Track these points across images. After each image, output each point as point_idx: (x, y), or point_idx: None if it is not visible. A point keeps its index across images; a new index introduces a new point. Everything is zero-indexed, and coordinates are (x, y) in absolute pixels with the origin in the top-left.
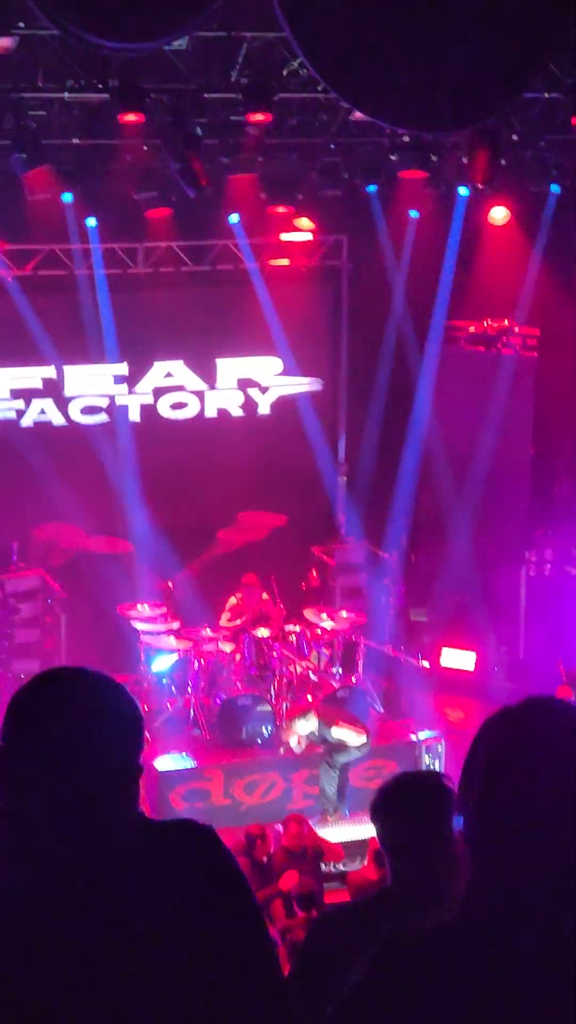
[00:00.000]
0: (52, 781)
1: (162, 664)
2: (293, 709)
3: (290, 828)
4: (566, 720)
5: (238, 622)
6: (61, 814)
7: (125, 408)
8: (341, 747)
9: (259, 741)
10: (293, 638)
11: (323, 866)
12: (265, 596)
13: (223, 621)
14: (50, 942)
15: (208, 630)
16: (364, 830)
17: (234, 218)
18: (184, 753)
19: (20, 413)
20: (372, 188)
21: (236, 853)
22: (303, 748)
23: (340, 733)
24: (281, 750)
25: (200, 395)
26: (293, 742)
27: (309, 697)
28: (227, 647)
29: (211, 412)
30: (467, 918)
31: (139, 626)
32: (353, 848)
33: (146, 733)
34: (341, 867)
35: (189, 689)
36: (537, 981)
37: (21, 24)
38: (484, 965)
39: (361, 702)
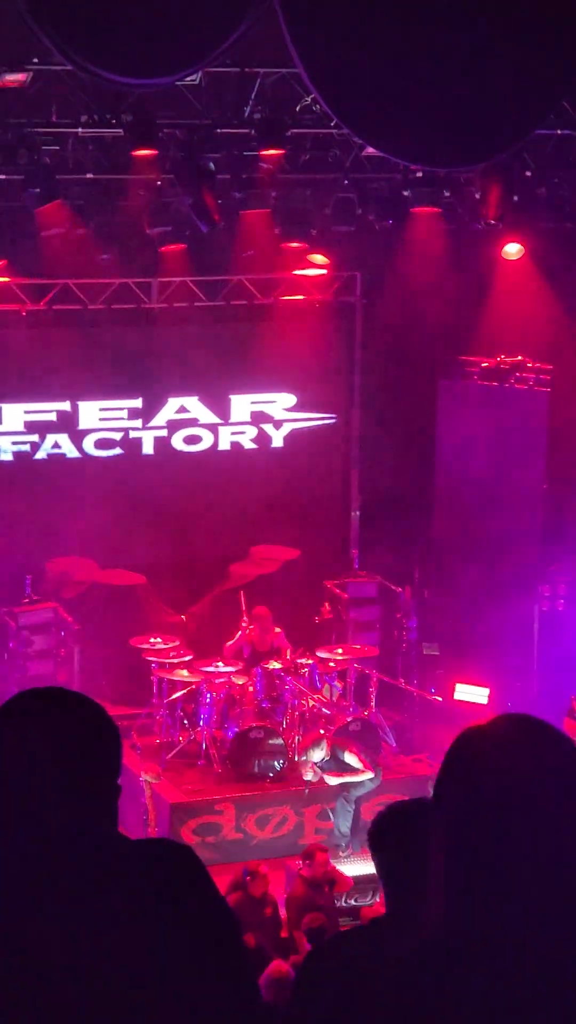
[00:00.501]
0: (9, 800)
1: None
2: (306, 739)
3: (317, 857)
4: (538, 734)
5: (237, 636)
6: (16, 832)
7: (139, 441)
8: (354, 779)
9: (271, 775)
10: (305, 671)
11: (336, 901)
12: (277, 629)
13: (233, 653)
14: (12, 964)
15: (221, 664)
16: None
17: (249, 253)
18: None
19: (35, 446)
20: (388, 223)
21: (230, 887)
22: (317, 778)
23: (352, 759)
24: (305, 780)
25: (214, 429)
26: (307, 772)
27: (321, 731)
28: (239, 680)
29: (224, 445)
30: (438, 941)
31: (152, 659)
32: (366, 883)
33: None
34: (354, 902)
35: (201, 722)
36: (509, 1003)
37: (35, 60)
38: (453, 988)
39: (373, 736)
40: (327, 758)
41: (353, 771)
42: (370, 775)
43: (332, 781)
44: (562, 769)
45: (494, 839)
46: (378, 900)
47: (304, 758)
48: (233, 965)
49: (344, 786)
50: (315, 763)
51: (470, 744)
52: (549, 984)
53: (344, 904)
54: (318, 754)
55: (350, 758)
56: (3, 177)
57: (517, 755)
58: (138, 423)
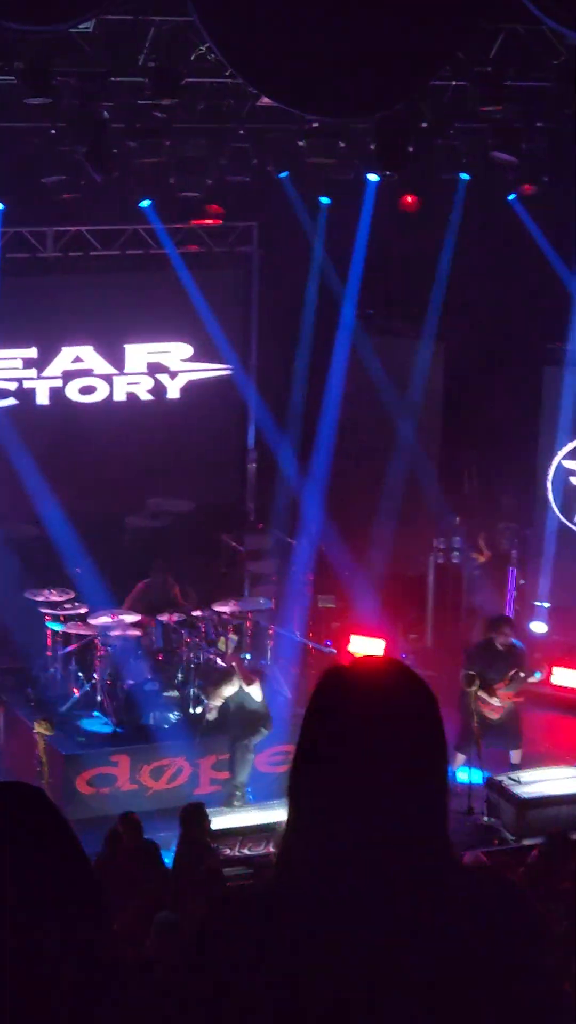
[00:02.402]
0: None
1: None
2: (219, 675)
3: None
4: (391, 676)
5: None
6: None
7: (33, 391)
8: (256, 721)
9: (166, 727)
10: (201, 624)
11: (227, 851)
12: (173, 582)
13: (128, 606)
14: None
15: (115, 616)
16: (269, 815)
17: (145, 203)
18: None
19: None
20: (284, 174)
21: (108, 837)
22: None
23: (256, 691)
24: (208, 716)
25: (109, 379)
26: (211, 712)
27: (233, 664)
28: (135, 633)
29: (120, 396)
30: (279, 881)
31: (46, 611)
32: (259, 832)
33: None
34: (248, 851)
35: (96, 674)
36: (329, 952)
37: None
38: (290, 929)
39: (269, 688)
40: (235, 693)
41: (255, 717)
42: (263, 711)
43: (215, 702)
44: (407, 709)
45: (337, 780)
46: (271, 849)
47: (217, 695)
48: (85, 909)
49: (245, 735)
50: (226, 699)
51: (328, 681)
52: (379, 912)
53: (236, 853)
54: (230, 689)
55: (255, 692)
56: None
57: (368, 693)
58: (32, 373)
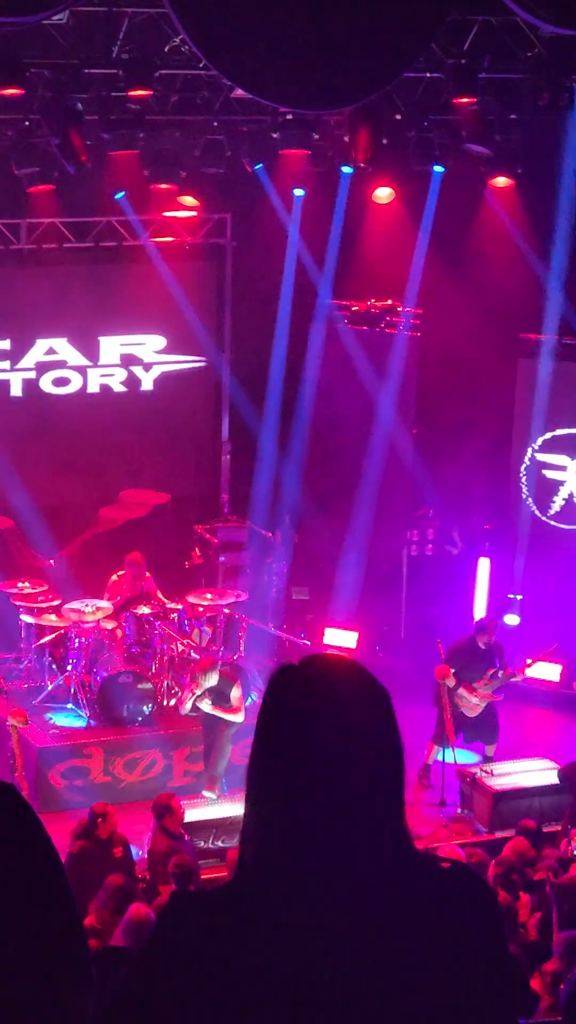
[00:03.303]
0: None
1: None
2: (203, 662)
3: (175, 806)
4: (341, 672)
5: (109, 583)
6: None
7: (7, 383)
8: (228, 716)
9: (139, 719)
10: (175, 616)
11: (201, 843)
12: (147, 574)
13: (104, 600)
14: None
15: (89, 608)
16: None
17: (119, 195)
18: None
19: None
20: (258, 166)
21: (79, 831)
22: (194, 712)
23: (235, 695)
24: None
25: (83, 371)
26: (185, 707)
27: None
28: (108, 625)
29: (93, 388)
30: (238, 878)
31: (20, 603)
32: (233, 825)
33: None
34: (221, 844)
35: (69, 667)
36: (291, 949)
37: None
38: (248, 926)
39: (243, 679)
40: (213, 687)
41: (230, 708)
42: (240, 718)
43: (206, 708)
44: (358, 704)
45: (292, 777)
46: None
47: (199, 683)
48: (55, 903)
49: (227, 725)
50: (206, 688)
51: (278, 679)
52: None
53: (211, 846)
54: (211, 680)
55: (234, 693)
56: None
57: (318, 688)
58: (6, 364)
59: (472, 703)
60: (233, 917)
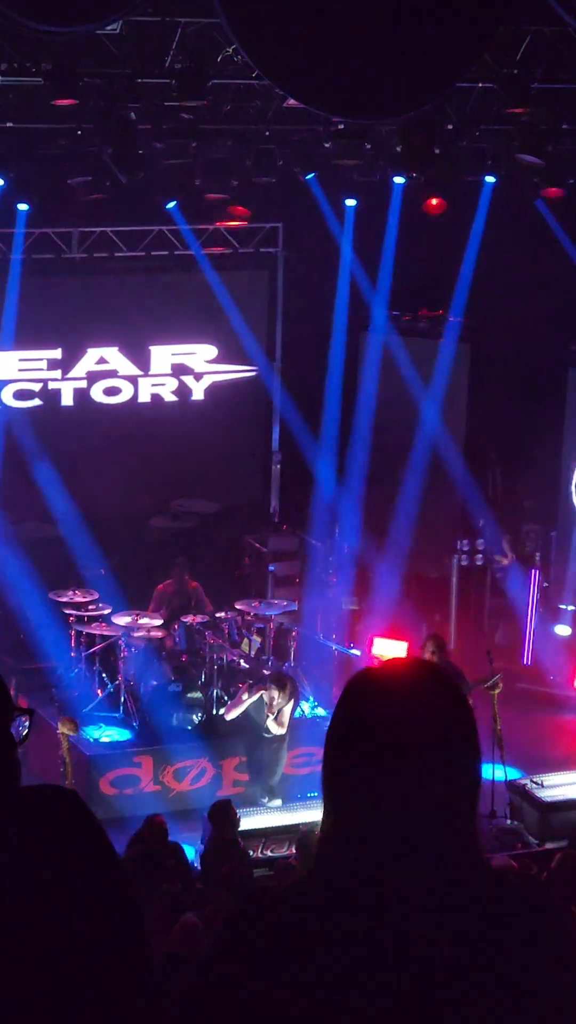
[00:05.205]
0: None
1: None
2: (277, 678)
3: (231, 813)
4: (419, 677)
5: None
6: None
7: (58, 392)
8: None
9: (189, 728)
10: (224, 625)
11: (252, 852)
12: (193, 584)
13: (150, 609)
14: None
15: (139, 617)
16: (293, 817)
17: (171, 204)
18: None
19: None
20: (310, 176)
21: (133, 839)
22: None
23: (288, 706)
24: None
25: (134, 380)
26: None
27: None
28: (158, 634)
29: (144, 397)
30: (315, 879)
31: (70, 612)
32: (283, 834)
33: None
34: (270, 853)
35: (119, 676)
36: (371, 943)
37: None
38: (324, 926)
39: (293, 691)
40: (279, 703)
41: (278, 720)
42: (283, 731)
43: (257, 717)
44: (436, 710)
45: (374, 780)
46: (293, 851)
47: (274, 695)
48: (121, 912)
49: (278, 738)
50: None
51: (356, 683)
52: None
53: (260, 855)
54: (281, 698)
55: (287, 706)
56: None
57: (396, 693)
58: (57, 374)
59: None
60: (304, 918)
